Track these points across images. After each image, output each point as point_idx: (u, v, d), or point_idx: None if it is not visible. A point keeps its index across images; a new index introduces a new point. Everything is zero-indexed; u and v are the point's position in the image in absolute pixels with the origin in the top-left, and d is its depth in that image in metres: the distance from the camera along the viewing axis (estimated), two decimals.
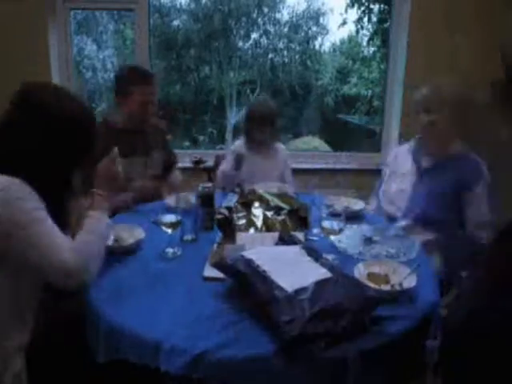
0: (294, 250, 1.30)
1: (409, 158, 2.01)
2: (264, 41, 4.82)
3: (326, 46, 5.23)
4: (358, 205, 1.93)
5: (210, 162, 2.67)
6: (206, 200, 1.71)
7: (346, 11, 4.52)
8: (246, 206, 1.66)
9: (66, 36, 3.08)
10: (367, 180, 2.73)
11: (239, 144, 2.51)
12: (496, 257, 0.95)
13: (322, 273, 1.18)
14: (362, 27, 4.62)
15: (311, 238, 1.61)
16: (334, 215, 1.45)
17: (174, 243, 1.51)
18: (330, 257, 1.38)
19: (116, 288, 1.27)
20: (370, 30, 4.62)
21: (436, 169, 1.88)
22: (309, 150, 4.97)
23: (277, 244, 1.40)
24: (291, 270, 1.18)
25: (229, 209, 1.63)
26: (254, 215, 1.63)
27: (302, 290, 1.09)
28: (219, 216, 1.60)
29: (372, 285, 1.23)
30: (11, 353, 1.18)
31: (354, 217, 1.80)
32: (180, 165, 2.51)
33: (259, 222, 1.60)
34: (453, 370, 0.96)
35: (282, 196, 1.78)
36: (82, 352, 1.19)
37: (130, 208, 1.95)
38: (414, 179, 1.94)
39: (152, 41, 3.49)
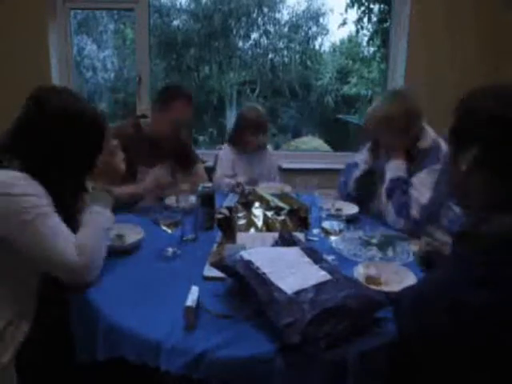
0: (294, 252, 1.30)
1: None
2: (264, 41, 4.82)
3: (326, 46, 5.24)
4: (354, 208, 1.92)
5: (210, 162, 2.68)
6: (206, 200, 1.71)
7: (346, 11, 4.52)
8: (247, 206, 1.66)
9: (66, 36, 3.08)
10: None
11: (226, 148, 2.52)
12: None
13: (322, 275, 1.18)
14: (362, 27, 4.62)
15: (311, 238, 1.61)
16: (335, 216, 1.45)
17: (173, 243, 1.51)
18: (329, 258, 1.38)
19: (116, 287, 1.27)
20: (370, 29, 4.63)
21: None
22: (309, 150, 4.97)
23: (276, 242, 1.40)
24: (291, 271, 1.18)
25: (229, 209, 1.63)
26: (255, 215, 1.63)
27: (302, 292, 1.09)
28: (219, 216, 1.60)
29: (373, 287, 1.23)
30: None
31: (351, 220, 1.80)
32: None
33: (259, 222, 1.60)
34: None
35: (282, 196, 1.78)
36: (68, 352, 1.20)
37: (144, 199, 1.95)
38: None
39: (152, 41, 3.50)
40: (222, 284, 1.27)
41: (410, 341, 1.00)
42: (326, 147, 5.07)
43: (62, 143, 1.24)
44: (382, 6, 4.46)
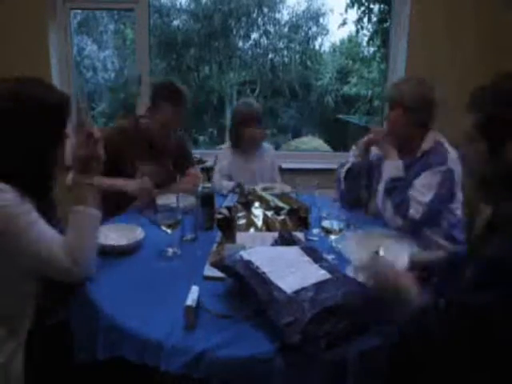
0: (293, 251, 1.30)
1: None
2: (264, 41, 4.83)
3: (326, 46, 5.25)
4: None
5: (210, 162, 2.68)
6: (206, 200, 1.71)
7: (346, 11, 4.53)
8: (246, 205, 1.66)
9: (66, 36, 3.08)
10: None
11: (226, 149, 2.52)
12: None
13: (322, 274, 1.18)
14: (362, 27, 4.63)
15: (311, 238, 1.61)
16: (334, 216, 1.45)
17: (173, 243, 1.51)
18: (329, 257, 1.38)
19: (116, 287, 1.27)
20: (370, 30, 4.63)
21: (406, 169, 1.87)
22: (309, 150, 4.97)
23: (276, 241, 1.40)
24: (290, 271, 1.18)
25: (229, 209, 1.63)
26: (254, 215, 1.63)
27: (302, 291, 1.09)
28: (219, 216, 1.60)
29: None
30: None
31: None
32: None
33: (259, 222, 1.60)
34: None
35: (282, 196, 1.78)
36: (68, 352, 1.20)
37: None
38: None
39: (152, 41, 3.50)
40: (222, 284, 1.27)
41: (410, 341, 1.00)
42: (325, 147, 5.08)
43: (16, 130, 1.17)
44: (381, 6, 4.47)
